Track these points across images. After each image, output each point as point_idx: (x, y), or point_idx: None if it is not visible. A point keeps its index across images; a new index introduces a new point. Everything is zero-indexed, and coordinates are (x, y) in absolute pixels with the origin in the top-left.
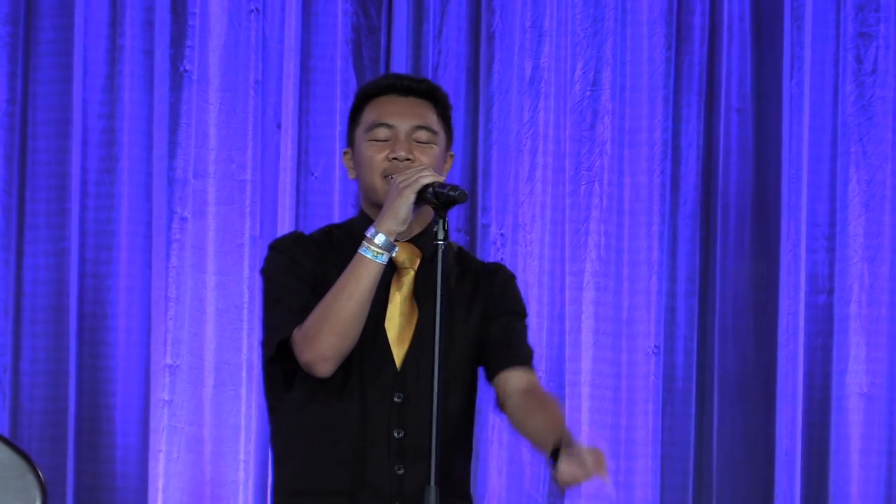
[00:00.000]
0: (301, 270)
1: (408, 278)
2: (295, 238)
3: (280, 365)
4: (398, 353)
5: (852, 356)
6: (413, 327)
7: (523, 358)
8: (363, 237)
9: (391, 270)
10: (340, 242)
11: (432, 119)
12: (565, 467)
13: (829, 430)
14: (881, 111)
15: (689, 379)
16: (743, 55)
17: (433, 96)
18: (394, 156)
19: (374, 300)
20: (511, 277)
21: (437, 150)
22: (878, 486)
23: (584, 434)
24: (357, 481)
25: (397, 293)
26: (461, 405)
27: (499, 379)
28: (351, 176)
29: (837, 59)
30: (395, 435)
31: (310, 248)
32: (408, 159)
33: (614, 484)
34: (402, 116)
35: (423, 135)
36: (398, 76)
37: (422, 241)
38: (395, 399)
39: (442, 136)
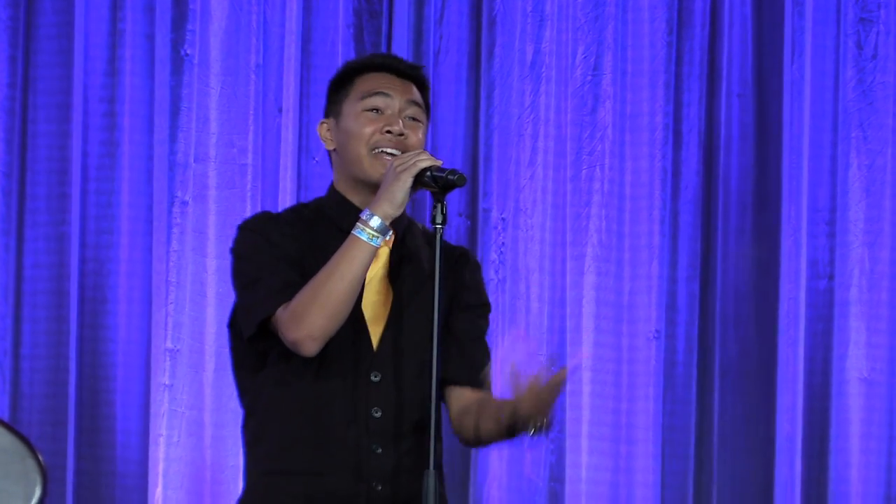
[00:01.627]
0: (277, 250)
1: (383, 258)
2: (266, 217)
3: (256, 344)
4: (374, 333)
5: (853, 341)
6: (388, 307)
7: (476, 376)
8: (358, 219)
9: None
10: (311, 221)
11: (421, 99)
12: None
13: (830, 414)
14: (882, 96)
15: (690, 364)
16: (744, 40)
17: (423, 82)
18: (388, 128)
19: None
20: (479, 267)
21: (423, 128)
22: (879, 470)
23: (585, 419)
24: (334, 461)
25: (373, 273)
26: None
27: (449, 391)
28: (329, 147)
29: (838, 44)
30: (373, 414)
31: (282, 227)
32: (401, 135)
33: (615, 469)
34: (399, 90)
35: (414, 111)
36: (393, 57)
37: (395, 220)
38: (373, 378)
39: (426, 118)
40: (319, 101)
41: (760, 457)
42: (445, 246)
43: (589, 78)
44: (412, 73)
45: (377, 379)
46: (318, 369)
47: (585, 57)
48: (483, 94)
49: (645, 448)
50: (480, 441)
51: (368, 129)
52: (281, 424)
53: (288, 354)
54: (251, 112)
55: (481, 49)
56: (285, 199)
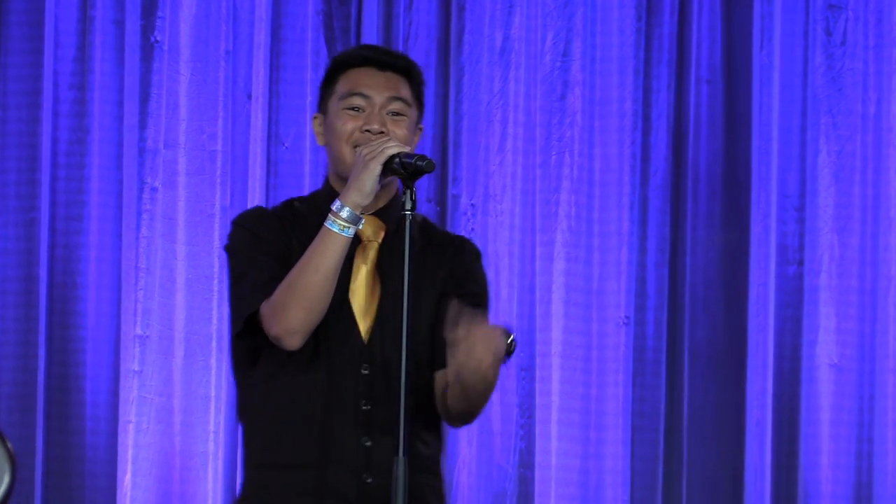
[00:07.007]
0: (265, 245)
1: (372, 251)
2: (257, 213)
3: (247, 340)
4: (364, 326)
5: (822, 327)
6: (377, 300)
7: None
8: (329, 210)
9: (355, 243)
10: (304, 216)
11: (406, 92)
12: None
13: (800, 400)
14: (851, 83)
15: (660, 350)
16: (713, 26)
17: (409, 72)
18: (367, 128)
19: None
20: (478, 256)
21: (408, 122)
22: (848, 456)
23: (555, 405)
24: (324, 454)
25: (362, 266)
26: (428, 377)
27: (438, 376)
28: (320, 142)
29: (807, 30)
30: (363, 407)
31: (272, 222)
32: (381, 132)
33: (585, 455)
34: (378, 88)
35: (397, 105)
36: (376, 49)
37: (387, 213)
38: (363, 371)
39: (414, 110)
40: (289, 88)
41: (730, 443)
42: (441, 234)
43: (558, 64)
44: (397, 66)
45: (367, 372)
46: (308, 364)
47: (555, 43)
48: (452, 80)
49: (614, 434)
50: (453, 412)
51: (349, 127)
52: (272, 419)
53: (278, 349)
54: (221, 98)
55: (450, 35)
56: (255, 186)
